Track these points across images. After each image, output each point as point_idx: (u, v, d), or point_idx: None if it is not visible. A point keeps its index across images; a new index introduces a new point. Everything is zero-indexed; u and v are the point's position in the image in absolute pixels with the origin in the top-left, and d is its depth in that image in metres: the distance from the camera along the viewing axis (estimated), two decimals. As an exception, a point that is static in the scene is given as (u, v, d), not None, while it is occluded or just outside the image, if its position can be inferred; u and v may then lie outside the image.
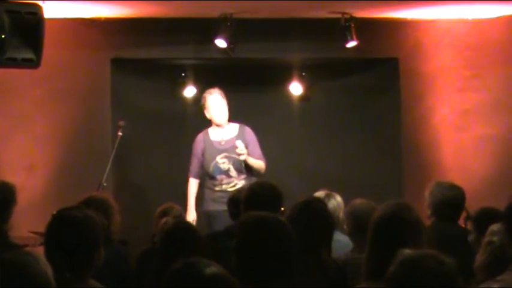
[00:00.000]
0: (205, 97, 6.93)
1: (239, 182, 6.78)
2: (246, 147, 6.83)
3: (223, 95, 6.92)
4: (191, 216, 6.91)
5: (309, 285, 3.60)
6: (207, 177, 6.95)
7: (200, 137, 7.00)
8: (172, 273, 2.24)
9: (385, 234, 3.24)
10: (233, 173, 6.86)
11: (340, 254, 4.51)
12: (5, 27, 5.04)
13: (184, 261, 2.26)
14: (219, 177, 6.86)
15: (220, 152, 6.88)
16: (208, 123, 7.02)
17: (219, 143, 6.91)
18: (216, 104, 6.89)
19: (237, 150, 6.75)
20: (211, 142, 6.93)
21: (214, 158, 6.87)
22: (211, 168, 6.88)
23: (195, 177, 7.03)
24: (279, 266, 2.91)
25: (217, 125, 6.93)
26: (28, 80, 7.19)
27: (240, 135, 6.90)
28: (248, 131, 6.99)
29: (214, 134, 6.95)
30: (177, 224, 4.11)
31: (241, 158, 6.76)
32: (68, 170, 7.37)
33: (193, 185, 7.03)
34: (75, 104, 7.46)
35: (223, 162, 6.87)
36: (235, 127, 6.97)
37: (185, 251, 3.41)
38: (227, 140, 6.90)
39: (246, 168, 6.87)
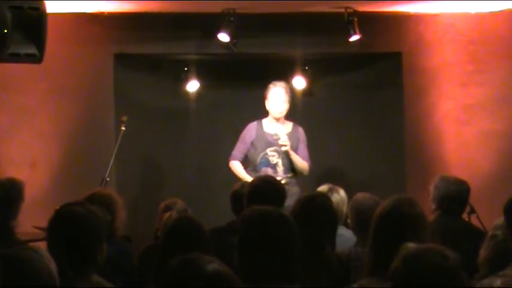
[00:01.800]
0: (268, 88, 6.86)
1: (283, 180, 6.49)
2: (297, 145, 6.80)
3: (288, 89, 6.87)
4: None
5: (312, 280, 3.60)
6: (249, 169, 6.84)
7: (253, 125, 6.91)
8: (172, 269, 2.23)
9: (387, 229, 3.24)
10: (280, 168, 6.77)
11: (343, 248, 4.51)
12: (8, 23, 5.03)
13: (184, 257, 2.25)
14: (264, 169, 6.75)
15: (271, 144, 6.80)
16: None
17: (272, 136, 6.83)
18: (277, 96, 6.81)
19: (280, 142, 6.71)
20: (264, 133, 6.86)
21: (264, 150, 6.79)
22: (259, 159, 6.79)
23: (238, 160, 6.92)
24: (282, 260, 2.91)
25: (275, 118, 6.85)
26: (31, 76, 7.19)
27: (294, 133, 6.86)
28: (301, 130, 6.95)
29: (268, 126, 6.87)
30: (180, 219, 4.11)
31: (283, 148, 6.69)
32: (71, 166, 7.37)
33: (238, 164, 6.89)
34: (78, 100, 7.46)
35: (273, 155, 6.79)
36: (289, 125, 6.92)
37: (188, 246, 3.41)
38: (280, 134, 6.83)
39: (293, 168, 6.81)
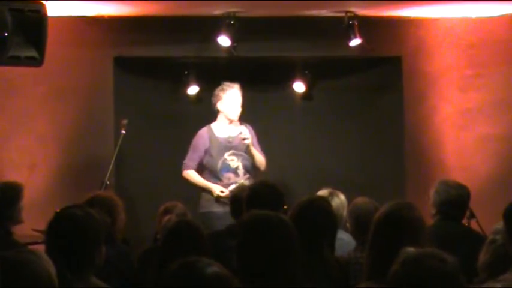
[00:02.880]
0: (223, 89, 6.83)
1: (244, 182, 6.59)
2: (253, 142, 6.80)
3: (240, 91, 6.86)
4: (217, 188, 6.68)
5: (311, 284, 3.59)
6: (209, 177, 6.83)
7: (204, 132, 6.89)
8: (172, 272, 2.23)
9: (385, 233, 3.23)
10: (241, 171, 6.79)
11: (343, 252, 4.51)
12: (8, 25, 5.03)
13: (184, 260, 2.25)
14: (226, 175, 6.75)
15: (228, 149, 6.80)
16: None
17: (227, 140, 6.84)
18: (234, 98, 6.81)
19: (241, 135, 6.68)
20: (217, 139, 6.85)
21: (223, 155, 6.79)
22: (219, 166, 6.76)
23: (192, 169, 6.86)
24: (281, 264, 2.90)
25: (229, 120, 6.83)
26: (31, 78, 7.19)
27: (247, 131, 6.84)
28: (250, 128, 6.95)
29: (219, 130, 6.87)
30: (180, 222, 4.11)
31: (246, 142, 6.68)
32: (70, 169, 7.37)
33: (193, 173, 6.83)
34: (77, 102, 7.46)
35: (232, 160, 6.79)
36: (237, 125, 6.93)
37: (188, 250, 3.41)
38: (234, 137, 6.84)
39: (250, 169, 6.83)
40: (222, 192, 6.65)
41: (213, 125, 6.92)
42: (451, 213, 5.04)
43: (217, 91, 6.87)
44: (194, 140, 6.92)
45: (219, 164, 6.78)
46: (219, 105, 6.85)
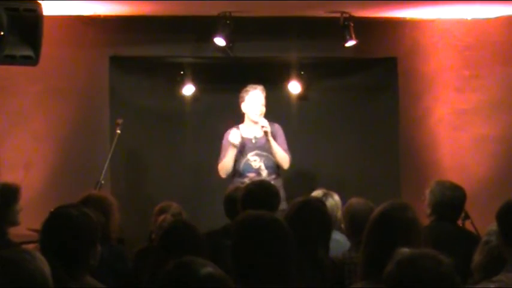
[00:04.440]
0: (247, 90, 6.86)
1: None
2: (276, 139, 6.79)
3: (264, 92, 6.87)
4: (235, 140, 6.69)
5: (306, 285, 3.59)
6: (235, 176, 6.83)
7: (230, 133, 6.90)
8: (167, 272, 2.24)
9: (379, 233, 3.23)
10: (264, 171, 6.79)
11: (337, 253, 4.51)
12: (4, 25, 5.03)
13: (179, 260, 2.25)
14: (249, 175, 6.76)
15: (251, 149, 6.82)
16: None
17: (250, 140, 6.85)
18: (256, 99, 6.82)
19: (261, 123, 6.69)
20: (242, 139, 6.84)
21: (246, 156, 6.82)
22: (241, 166, 6.80)
23: None
24: (276, 265, 2.91)
25: (253, 121, 6.85)
26: (26, 78, 7.18)
27: (271, 129, 6.82)
28: (278, 126, 6.94)
29: (246, 131, 6.88)
30: (175, 222, 4.11)
31: (264, 129, 6.69)
32: (66, 168, 7.36)
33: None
34: (73, 102, 7.45)
35: (255, 160, 6.80)
36: (265, 124, 6.90)
37: (184, 249, 3.41)
38: (259, 137, 6.85)
39: (276, 170, 6.81)
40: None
41: (241, 125, 6.94)
42: (446, 214, 5.05)
43: (242, 93, 6.91)
44: (224, 140, 6.92)
45: (242, 164, 6.82)
46: (243, 107, 6.89)
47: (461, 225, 5.49)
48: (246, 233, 2.98)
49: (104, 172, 6.68)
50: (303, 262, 3.57)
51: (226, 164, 6.81)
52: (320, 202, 4.33)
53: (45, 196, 7.05)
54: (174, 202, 5.44)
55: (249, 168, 6.81)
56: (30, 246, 4.50)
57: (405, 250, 2.52)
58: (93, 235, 3.20)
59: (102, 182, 6.61)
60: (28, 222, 5.52)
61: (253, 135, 6.86)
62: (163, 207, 5.32)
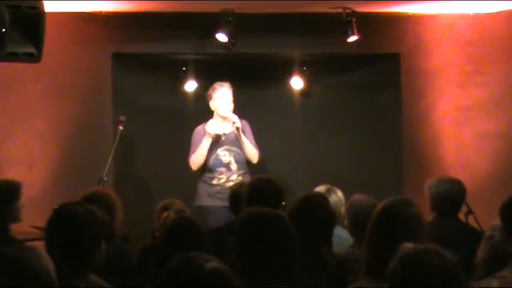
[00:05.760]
0: (214, 88, 6.94)
1: (238, 177, 6.79)
2: (244, 134, 6.87)
3: (231, 88, 6.93)
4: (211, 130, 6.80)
5: (309, 281, 3.59)
6: (204, 171, 6.94)
7: (200, 129, 6.99)
8: (171, 268, 2.23)
9: (382, 229, 3.23)
10: (234, 166, 6.89)
11: (340, 249, 4.51)
12: (6, 22, 5.02)
13: (183, 256, 2.25)
14: (219, 169, 6.88)
15: (221, 145, 6.92)
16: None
17: (220, 136, 6.92)
18: (224, 96, 6.90)
19: (232, 119, 6.77)
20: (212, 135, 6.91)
21: (216, 151, 6.90)
22: (211, 161, 6.90)
23: None
24: (279, 261, 2.90)
25: (222, 117, 6.91)
26: (29, 75, 7.18)
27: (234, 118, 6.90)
28: (245, 122, 7.03)
29: (215, 127, 6.94)
30: (179, 219, 4.11)
31: (235, 125, 6.78)
32: (68, 165, 7.37)
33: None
34: (75, 99, 7.45)
35: (224, 155, 6.91)
36: (236, 120, 6.95)
37: (187, 246, 3.40)
38: (228, 133, 6.93)
39: (245, 165, 6.87)
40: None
41: (210, 121, 6.98)
42: (446, 208, 5.04)
43: (209, 91, 7.02)
44: (192, 136, 7.03)
45: (212, 160, 6.90)
46: (211, 104, 6.98)
47: (464, 220, 5.49)
48: (249, 230, 2.98)
49: (106, 169, 6.68)
50: (306, 258, 3.57)
51: (198, 155, 6.88)
52: (323, 198, 4.32)
53: (48, 193, 7.06)
54: (177, 199, 5.44)
55: (219, 163, 6.90)
56: (35, 244, 4.50)
57: (409, 246, 2.51)
58: (99, 233, 3.19)
59: (105, 178, 6.61)
60: (31, 219, 5.52)
61: (222, 131, 6.94)
62: (167, 204, 5.33)
